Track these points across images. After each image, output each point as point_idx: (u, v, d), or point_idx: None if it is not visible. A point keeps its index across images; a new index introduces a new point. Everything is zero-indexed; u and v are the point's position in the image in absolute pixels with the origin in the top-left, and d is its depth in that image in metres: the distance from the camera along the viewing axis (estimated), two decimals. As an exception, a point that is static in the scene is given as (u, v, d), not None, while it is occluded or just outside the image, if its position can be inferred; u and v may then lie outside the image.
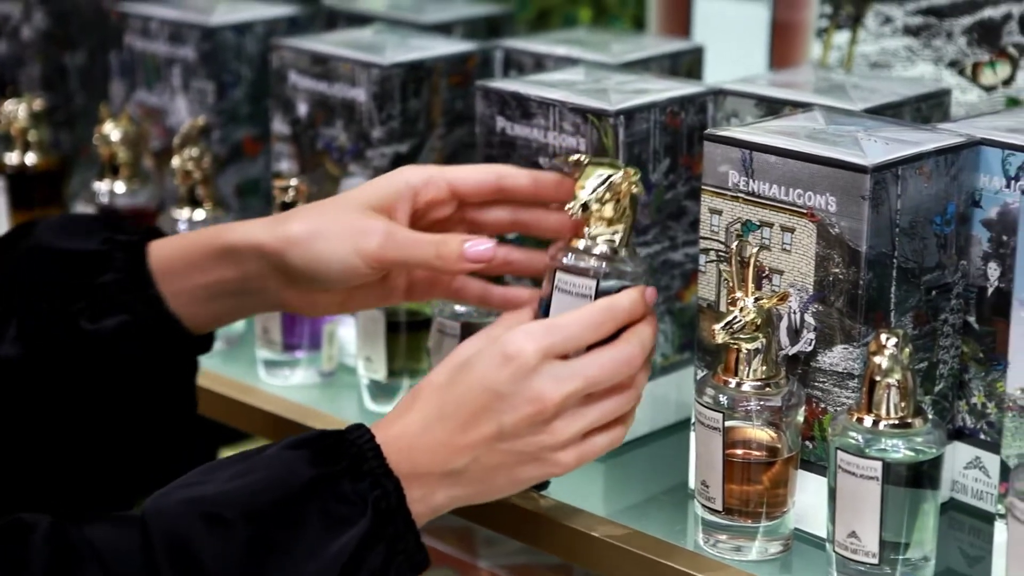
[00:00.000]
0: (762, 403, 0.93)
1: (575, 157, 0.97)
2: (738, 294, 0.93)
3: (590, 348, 0.92)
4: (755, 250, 0.93)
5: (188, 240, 0.98)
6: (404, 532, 0.86)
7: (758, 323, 0.93)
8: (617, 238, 0.96)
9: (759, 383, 0.93)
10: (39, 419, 0.97)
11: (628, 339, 0.92)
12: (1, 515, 0.86)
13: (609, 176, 0.95)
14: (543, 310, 0.98)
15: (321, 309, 1.00)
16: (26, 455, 0.97)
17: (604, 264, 0.96)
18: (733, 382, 0.94)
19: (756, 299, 0.93)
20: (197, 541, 0.82)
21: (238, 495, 0.84)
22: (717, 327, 0.92)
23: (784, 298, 0.94)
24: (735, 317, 0.92)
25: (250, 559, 0.83)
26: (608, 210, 0.95)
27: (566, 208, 0.95)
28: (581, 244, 0.96)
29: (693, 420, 0.97)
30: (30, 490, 0.98)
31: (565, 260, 0.96)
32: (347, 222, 0.94)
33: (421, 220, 0.99)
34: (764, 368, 0.93)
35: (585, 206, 0.95)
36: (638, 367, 0.92)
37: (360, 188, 0.98)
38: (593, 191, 0.95)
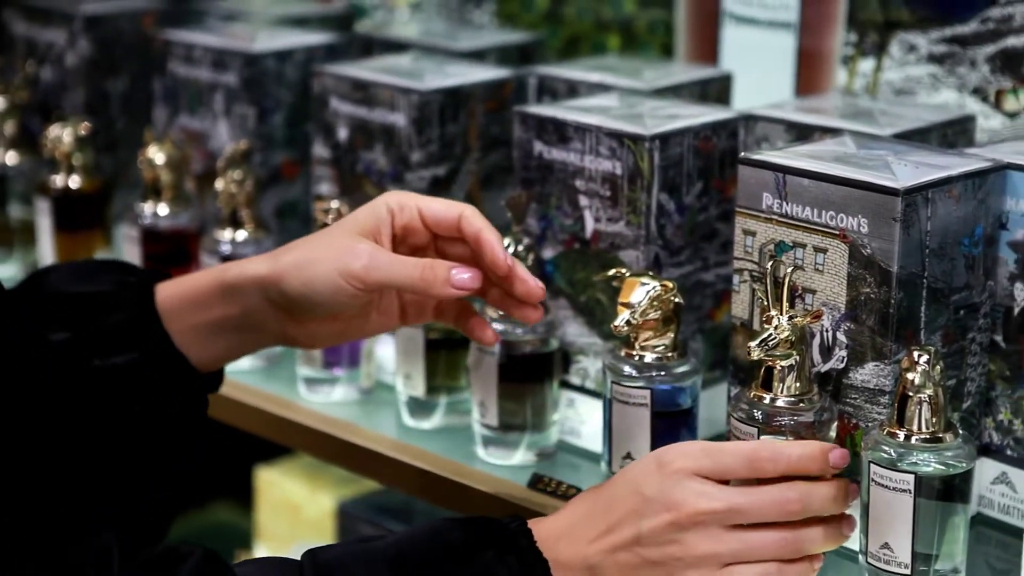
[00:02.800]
0: (795, 419, 0.96)
1: (612, 272, 1.03)
2: (772, 312, 0.96)
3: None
4: (789, 270, 0.96)
5: (192, 280, 1.02)
6: None
7: (792, 340, 0.95)
8: (668, 342, 1.03)
9: (793, 399, 0.96)
10: (46, 452, 0.98)
11: (792, 484, 0.90)
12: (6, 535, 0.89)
13: (652, 288, 1.01)
14: (605, 420, 1.05)
15: (321, 340, 1.04)
16: (28, 488, 0.98)
17: (655, 372, 1.02)
18: (767, 397, 0.96)
19: (790, 317, 0.95)
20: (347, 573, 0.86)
21: (389, 547, 0.89)
22: (752, 344, 0.95)
23: (818, 316, 0.96)
24: (770, 334, 0.95)
25: None
26: (655, 321, 1.02)
27: (613, 325, 1.00)
28: (633, 355, 1.03)
29: (727, 435, 1.00)
30: (37, 515, 1.01)
31: (618, 372, 1.03)
32: (335, 247, 0.98)
33: (400, 246, 1.02)
34: (798, 384, 0.96)
35: (629, 321, 1.01)
36: (792, 514, 0.89)
37: (349, 216, 1.02)
38: (641, 310, 1.01)
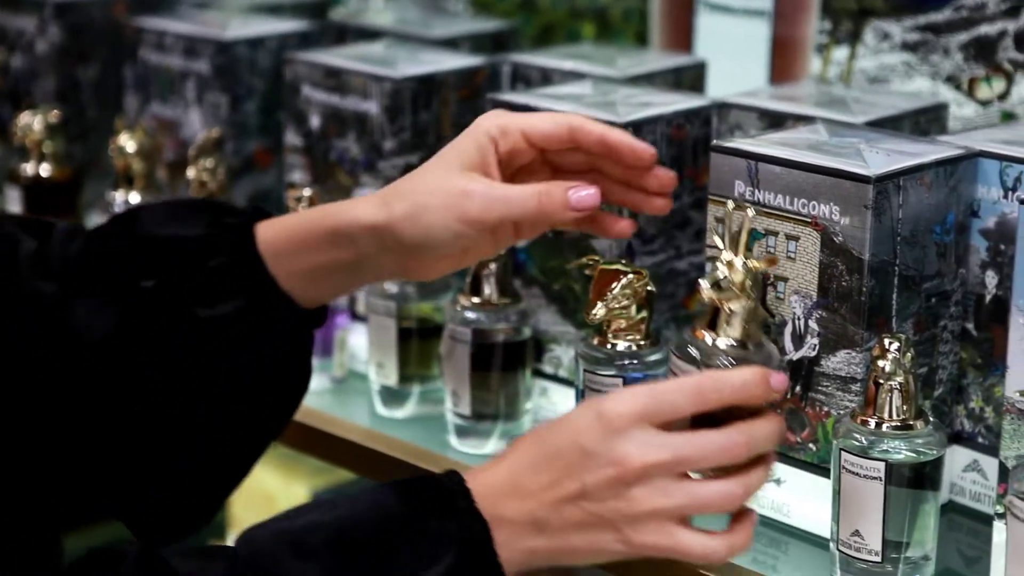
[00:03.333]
0: (736, 361, 0.91)
1: (585, 260, 1.01)
2: (726, 255, 0.92)
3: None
4: (749, 213, 0.92)
5: (297, 222, 0.96)
6: (489, 571, 0.86)
7: (745, 285, 0.91)
8: (640, 331, 1.02)
9: (735, 342, 0.91)
10: (148, 406, 0.95)
11: (737, 427, 0.86)
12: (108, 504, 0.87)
13: (624, 277, 1.00)
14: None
15: (439, 271, 0.99)
16: (125, 449, 0.96)
17: (627, 360, 1.02)
18: (710, 338, 0.92)
19: (745, 261, 0.91)
20: (281, 568, 0.84)
21: (326, 527, 0.86)
22: (703, 282, 0.91)
23: (773, 262, 0.92)
24: (723, 274, 0.91)
25: None
26: (627, 309, 1.01)
27: (585, 313, 1.00)
28: (606, 343, 1.03)
29: (667, 373, 0.97)
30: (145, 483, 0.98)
31: (590, 361, 1.02)
32: (447, 189, 0.93)
33: (507, 168, 0.97)
34: (744, 331, 0.91)
35: (601, 310, 1.00)
36: (738, 457, 0.86)
37: (451, 150, 0.96)
38: (613, 298, 1.00)
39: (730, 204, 0.93)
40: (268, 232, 0.96)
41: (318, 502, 0.89)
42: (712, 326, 0.92)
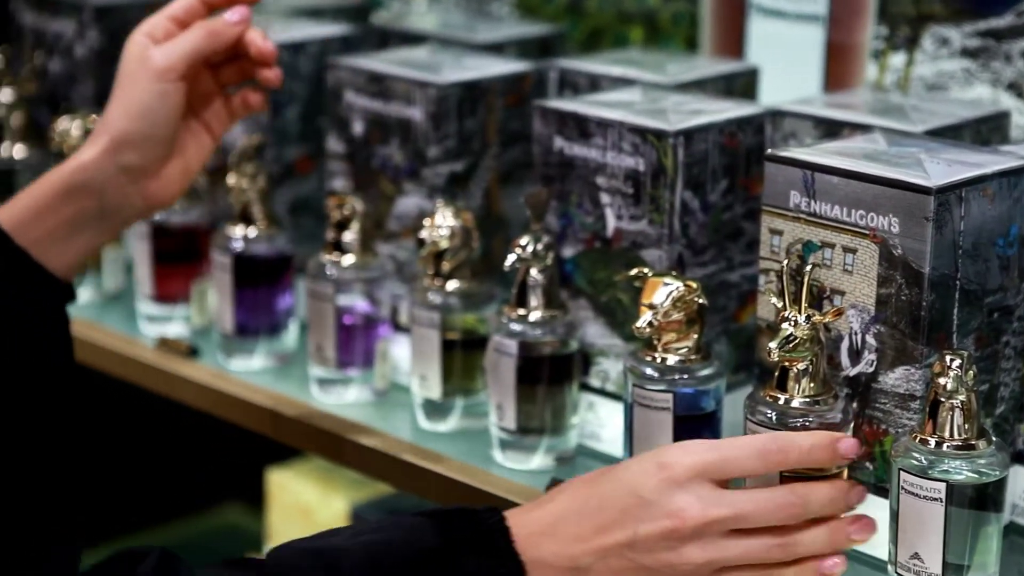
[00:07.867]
0: (812, 419, 0.92)
1: (634, 272, 1.00)
2: (789, 313, 0.92)
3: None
4: (808, 267, 0.93)
5: (33, 191, 1.06)
6: None
7: (810, 341, 0.92)
8: (691, 344, 1.00)
9: (808, 400, 0.93)
10: None
11: (793, 487, 0.87)
12: None
13: (675, 289, 0.98)
14: (626, 424, 1.02)
15: (173, 182, 1.09)
16: None
17: (678, 375, 1.00)
18: (783, 398, 0.93)
19: (808, 317, 0.92)
20: None
21: (360, 552, 0.84)
22: (772, 345, 0.92)
23: (839, 313, 0.93)
24: (790, 334, 0.92)
25: None
26: (678, 322, 0.99)
27: (635, 326, 0.98)
28: (656, 357, 1.00)
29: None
30: None
31: (639, 375, 1.00)
32: (133, 69, 1.08)
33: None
34: (813, 385, 0.93)
35: (651, 323, 0.98)
36: (791, 519, 0.86)
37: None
38: (663, 311, 0.98)
39: (784, 263, 0.94)
40: (8, 210, 1.05)
41: (354, 525, 0.89)
42: (782, 385, 0.93)
